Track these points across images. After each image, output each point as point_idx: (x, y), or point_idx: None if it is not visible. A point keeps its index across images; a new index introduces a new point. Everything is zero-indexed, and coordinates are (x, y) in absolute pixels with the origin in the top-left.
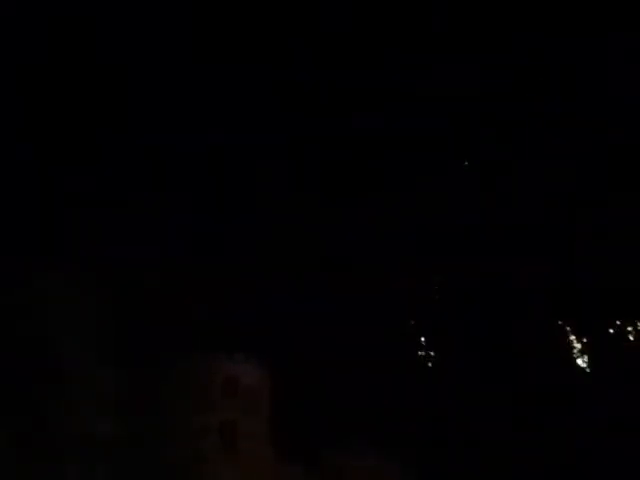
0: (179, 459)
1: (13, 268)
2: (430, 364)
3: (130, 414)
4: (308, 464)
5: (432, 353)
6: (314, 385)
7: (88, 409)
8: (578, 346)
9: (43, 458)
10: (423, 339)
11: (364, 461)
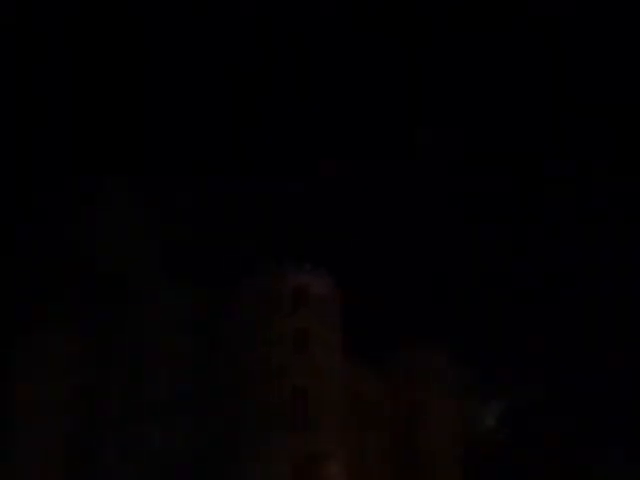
0: (254, 366)
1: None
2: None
3: (205, 327)
4: (376, 366)
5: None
6: (380, 292)
7: (166, 325)
8: None
9: (124, 375)
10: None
11: (428, 362)
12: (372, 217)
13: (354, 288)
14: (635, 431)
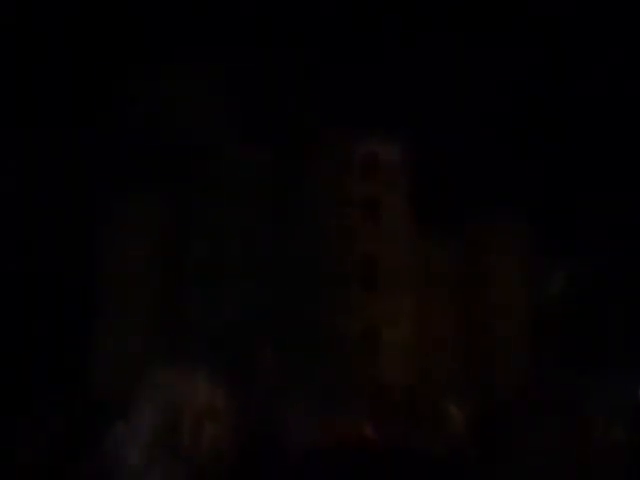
0: (324, 231)
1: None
2: None
3: (275, 190)
4: (445, 232)
5: None
6: (450, 158)
7: (237, 188)
8: None
9: (202, 236)
10: None
11: (497, 227)
12: (445, 82)
13: (425, 154)
14: None
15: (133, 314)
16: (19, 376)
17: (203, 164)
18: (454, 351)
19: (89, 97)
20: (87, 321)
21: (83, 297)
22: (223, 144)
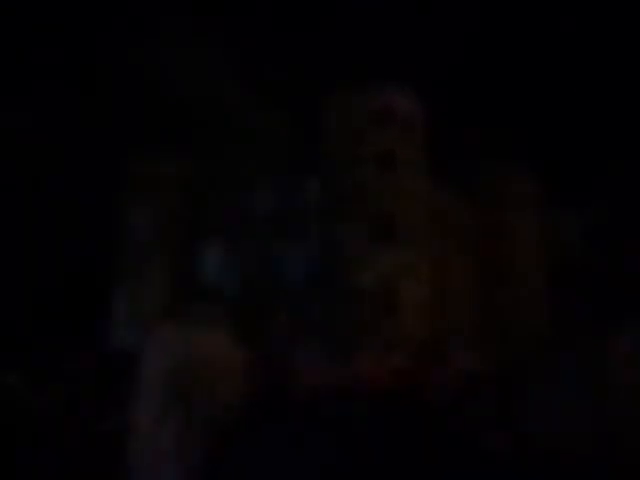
0: (340, 186)
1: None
2: None
3: (292, 146)
4: (459, 188)
5: None
6: (463, 113)
7: (254, 146)
8: None
9: (220, 192)
10: None
11: (510, 182)
12: (456, 35)
13: (438, 108)
14: None
15: (150, 274)
16: (38, 330)
17: (220, 123)
18: (471, 305)
19: (101, 62)
20: (105, 280)
21: (102, 258)
22: (239, 103)
